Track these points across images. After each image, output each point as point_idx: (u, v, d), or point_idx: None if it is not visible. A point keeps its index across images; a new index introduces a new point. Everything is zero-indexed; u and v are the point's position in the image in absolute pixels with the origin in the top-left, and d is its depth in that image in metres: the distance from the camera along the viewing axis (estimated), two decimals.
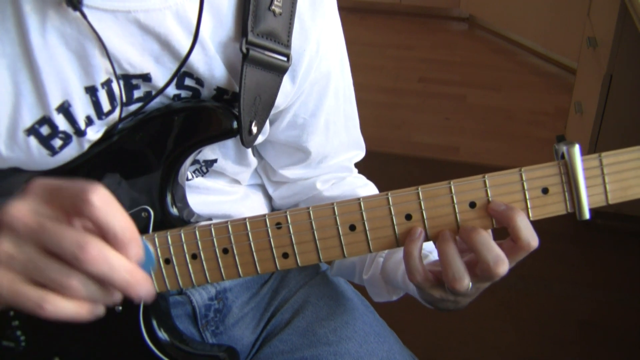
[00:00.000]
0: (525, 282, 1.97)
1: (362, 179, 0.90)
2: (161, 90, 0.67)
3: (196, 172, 0.77)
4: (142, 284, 0.49)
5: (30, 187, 0.48)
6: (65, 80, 0.63)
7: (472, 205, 0.60)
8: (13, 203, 0.47)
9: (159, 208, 0.68)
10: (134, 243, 0.48)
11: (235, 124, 0.67)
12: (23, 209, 0.47)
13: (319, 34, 0.72)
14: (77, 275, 0.48)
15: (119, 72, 0.64)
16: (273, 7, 0.66)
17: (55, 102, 0.64)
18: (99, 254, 0.47)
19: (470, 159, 2.60)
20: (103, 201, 0.47)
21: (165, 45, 0.64)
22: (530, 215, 0.59)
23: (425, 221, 0.61)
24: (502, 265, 0.59)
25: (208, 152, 0.75)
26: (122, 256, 0.48)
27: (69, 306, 0.49)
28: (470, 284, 0.60)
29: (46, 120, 0.64)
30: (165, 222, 0.68)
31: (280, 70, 0.69)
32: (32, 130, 0.64)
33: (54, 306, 0.48)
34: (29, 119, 0.64)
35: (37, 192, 0.47)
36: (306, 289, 0.88)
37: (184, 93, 0.69)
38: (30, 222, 0.46)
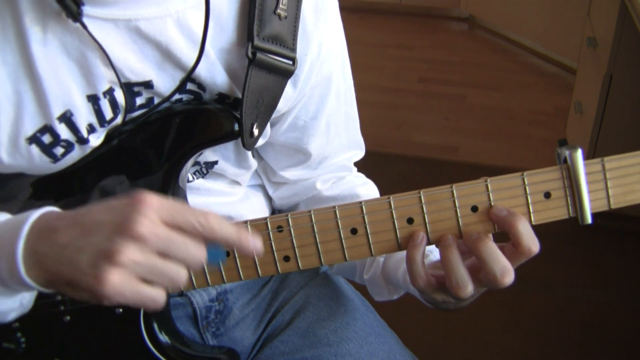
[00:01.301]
0: (526, 283, 1.96)
1: (362, 177, 0.90)
2: (165, 100, 0.67)
3: (196, 173, 0.77)
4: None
5: (143, 201, 0.54)
6: (67, 89, 0.63)
7: (474, 209, 0.60)
8: (138, 217, 0.53)
9: None
10: (244, 242, 0.57)
11: (236, 127, 0.67)
12: (152, 224, 0.53)
13: (321, 38, 0.72)
14: (186, 273, 0.56)
15: (121, 80, 0.64)
16: (278, 11, 0.66)
17: (57, 111, 0.63)
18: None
19: (470, 159, 2.60)
20: (214, 223, 0.56)
21: (167, 53, 0.64)
22: (532, 219, 0.59)
23: (427, 225, 0.61)
24: (509, 276, 0.59)
25: (208, 154, 0.75)
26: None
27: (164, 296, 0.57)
28: (474, 290, 0.60)
29: (48, 129, 0.64)
30: None
31: (285, 74, 0.69)
32: (33, 139, 0.64)
33: (162, 300, 0.56)
34: (30, 127, 0.64)
35: (156, 209, 0.54)
36: (307, 289, 0.88)
37: (185, 97, 0.69)
38: (160, 235, 0.54)
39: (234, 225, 0.57)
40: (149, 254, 0.54)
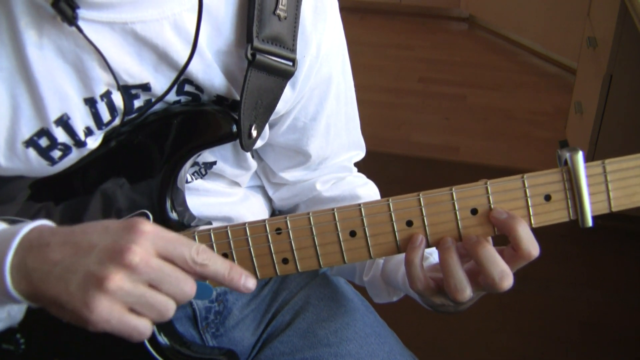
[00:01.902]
0: (525, 283, 1.96)
1: (362, 178, 0.90)
2: (160, 98, 0.66)
3: (195, 174, 0.76)
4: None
5: (139, 229, 0.54)
6: (64, 93, 0.63)
7: (474, 211, 0.59)
8: (132, 246, 0.53)
9: (158, 212, 0.68)
10: (235, 281, 0.58)
11: (234, 128, 0.67)
12: (146, 254, 0.53)
13: (320, 39, 0.71)
14: (174, 306, 0.56)
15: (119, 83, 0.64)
16: (278, 12, 0.66)
17: (53, 115, 0.63)
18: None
19: (470, 159, 2.60)
20: (206, 259, 0.56)
21: (163, 55, 0.64)
22: (532, 222, 0.59)
23: (427, 227, 0.60)
24: (507, 280, 0.59)
25: (207, 155, 0.75)
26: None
27: (151, 328, 0.56)
28: (472, 294, 0.60)
29: (44, 132, 0.64)
30: (165, 227, 0.68)
31: (285, 75, 0.68)
32: (30, 142, 0.64)
33: (149, 332, 0.55)
34: (27, 131, 0.63)
35: (152, 240, 0.54)
36: (307, 290, 0.88)
37: (183, 98, 0.69)
38: (153, 266, 0.53)
39: (226, 262, 0.57)
40: (139, 283, 0.53)
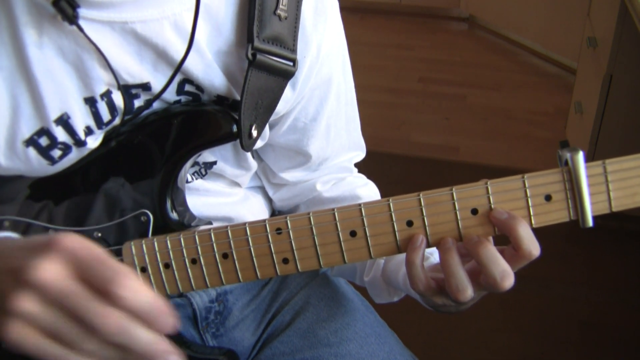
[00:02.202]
0: (525, 282, 1.95)
1: (363, 178, 0.90)
2: (157, 96, 0.66)
3: (195, 174, 0.77)
4: (165, 353, 0.50)
5: (57, 245, 0.47)
6: (64, 92, 0.63)
7: (474, 212, 0.59)
8: (41, 262, 0.46)
9: (158, 212, 0.68)
10: (160, 320, 0.49)
11: (235, 128, 0.67)
12: (54, 272, 0.46)
13: (320, 40, 0.71)
14: (95, 341, 0.47)
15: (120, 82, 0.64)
16: (278, 12, 0.66)
17: (53, 114, 0.63)
18: (120, 328, 0.47)
19: (470, 159, 2.60)
20: (131, 292, 0.46)
21: (163, 55, 0.64)
22: (533, 222, 0.59)
23: (427, 228, 0.60)
24: (509, 279, 0.59)
25: (207, 154, 0.75)
26: (143, 329, 0.48)
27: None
28: (474, 294, 0.60)
29: (44, 131, 0.64)
30: (165, 227, 0.68)
31: (285, 75, 0.68)
32: (30, 142, 0.64)
33: None
34: (27, 130, 0.64)
35: (66, 256, 0.47)
36: (307, 290, 0.88)
37: (184, 98, 0.69)
38: (61, 287, 0.46)
39: (153, 297, 0.48)
40: (50, 306, 0.46)
